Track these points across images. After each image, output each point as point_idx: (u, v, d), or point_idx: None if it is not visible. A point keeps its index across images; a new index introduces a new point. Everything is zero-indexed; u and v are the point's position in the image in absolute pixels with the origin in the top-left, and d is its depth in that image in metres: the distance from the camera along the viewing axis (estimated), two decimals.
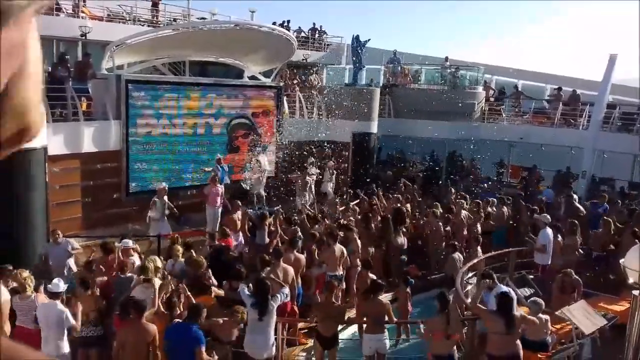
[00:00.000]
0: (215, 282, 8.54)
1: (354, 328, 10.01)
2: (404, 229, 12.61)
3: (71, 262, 9.71)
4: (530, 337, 7.85)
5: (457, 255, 11.26)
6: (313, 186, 16.04)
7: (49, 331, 6.90)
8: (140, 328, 6.55)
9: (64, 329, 6.98)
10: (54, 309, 6.94)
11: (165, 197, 12.69)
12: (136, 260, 9.17)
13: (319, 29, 26.58)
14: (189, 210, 14.83)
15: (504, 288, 8.44)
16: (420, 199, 16.41)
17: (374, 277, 10.19)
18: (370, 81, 24.46)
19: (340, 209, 14.28)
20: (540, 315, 7.90)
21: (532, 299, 8.53)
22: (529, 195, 17.82)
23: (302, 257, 9.79)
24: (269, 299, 7.17)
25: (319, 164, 17.08)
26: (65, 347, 7.04)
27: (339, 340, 9.58)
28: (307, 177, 15.58)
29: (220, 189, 13.58)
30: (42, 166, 11.01)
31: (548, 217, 12.02)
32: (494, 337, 6.97)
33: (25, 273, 7.96)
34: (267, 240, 10.83)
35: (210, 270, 8.66)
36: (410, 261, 12.61)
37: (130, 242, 9.59)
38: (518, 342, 6.98)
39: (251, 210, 13.53)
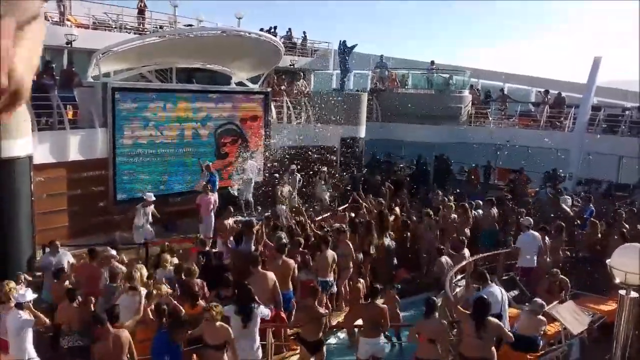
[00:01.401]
0: (207, 292, 8.49)
1: (344, 331, 10.01)
2: (391, 232, 12.63)
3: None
4: (522, 332, 7.90)
5: (445, 258, 11.29)
6: (295, 193, 15.88)
7: (12, 339, 6.97)
8: (113, 336, 6.60)
9: (27, 335, 7.00)
10: (15, 317, 6.98)
11: (151, 207, 12.66)
12: (123, 269, 9.13)
13: (303, 35, 26.46)
14: (177, 217, 14.77)
15: (496, 289, 8.49)
16: (409, 203, 16.44)
17: (362, 281, 10.25)
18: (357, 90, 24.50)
19: (327, 214, 14.29)
20: (538, 316, 7.97)
21: (533, 299, 8.55)
22: (517, 197, 17.90)
23: (291, 261, 9.69)
24: (252, 306, 7.15)
25: (298, 170, 16.88)
26: (32, 352, 7.04)
27: (332, 345, 9.60)
28: (286, 187, 15.33)
29: (213, 197, 13.50)
30: (28, 175, 10.91)
31: (530, 220, 12.07)
32: (465, 339, 7.07)
33: (12, 284, 7.91)
34: (252, 248, 10.74)
35: (204, 283, 8.59)
36: (400, 264, 12.64)
37: (113, 251, 9.52)
38: (493, 349, 7.01)
39: (240, 217, 13.50)
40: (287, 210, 14.13)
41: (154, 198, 12.92)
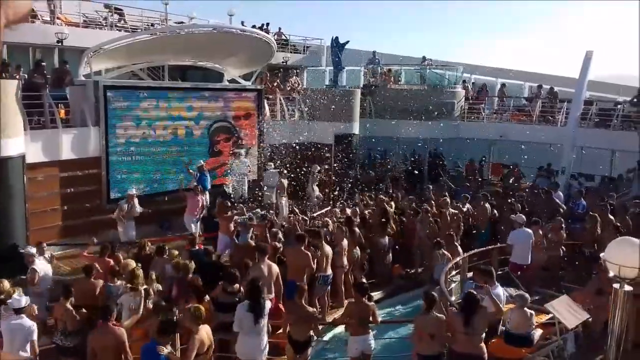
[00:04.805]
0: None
1: (340, 328, 10.00)
2: (388, 230, 12.63)
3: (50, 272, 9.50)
4: (514, 330, 7.92)
5: (443, 251, 11.27)
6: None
7: (12, 345, 6.82)
8: (107, 332, 6.55)
9: (27, 342, 6.89)
10: (22, 325, 6.86)
11: (136, 201, 12.54)
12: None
13: (278, 30, 25.95)
14: (170, 215, 14.70)
15: (500, 290, 8.47)
16: (402, 199, 16.45)
17: (364, 279, 10.24)
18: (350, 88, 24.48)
19: (322, 210, 14.30)
20: (525, 309, 7.98)
21: (518, 293, 8.59)
22: (510, 192, 17.94)
23: (308, 253, 9.57)
24: (262, 302, 7.14)
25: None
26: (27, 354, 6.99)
27: (325, 341, 9.61)
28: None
29: (202, 199, 13.35)
30: (21, 174, 10.86)
31: (523, 217, 12.03)
32: (455, 335, 7.10)
33: (7, 283, 7.86)
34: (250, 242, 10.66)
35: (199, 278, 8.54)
36: (394, 260, 12.64)
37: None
38: (482, 345, 7.04)
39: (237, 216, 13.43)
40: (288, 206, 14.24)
41: (134, 192, 12.75)
